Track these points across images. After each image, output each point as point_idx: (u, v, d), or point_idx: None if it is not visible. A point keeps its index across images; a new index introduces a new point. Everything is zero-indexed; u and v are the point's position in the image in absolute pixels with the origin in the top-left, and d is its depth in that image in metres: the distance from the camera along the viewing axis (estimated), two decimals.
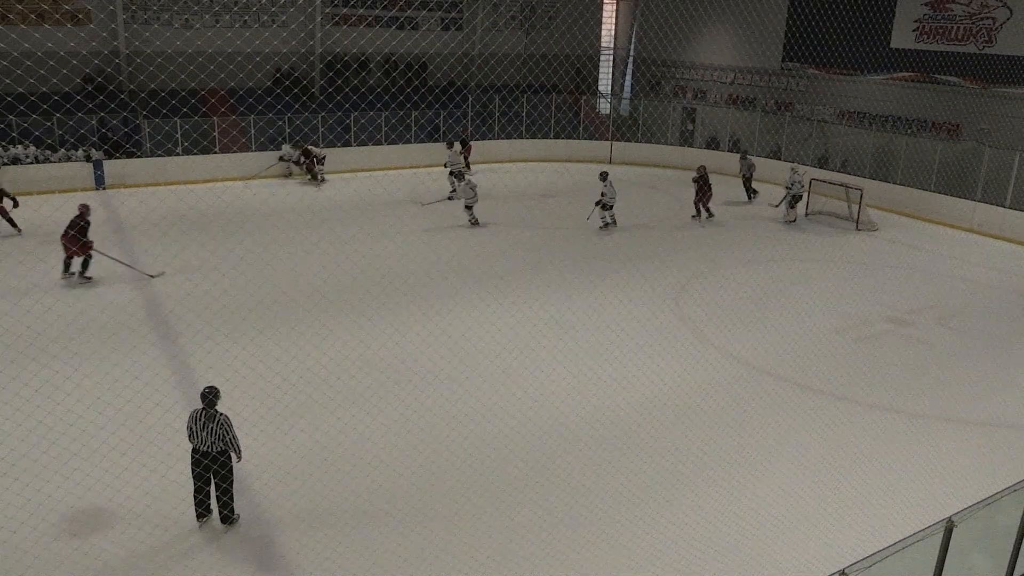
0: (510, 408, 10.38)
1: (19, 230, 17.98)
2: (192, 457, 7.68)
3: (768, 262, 17.36)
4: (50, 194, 21.49)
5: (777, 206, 21.19)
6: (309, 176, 24.21)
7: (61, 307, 13.35)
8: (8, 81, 21.28)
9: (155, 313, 13.54)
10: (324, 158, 24.37)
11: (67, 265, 15.00)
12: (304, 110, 26.22)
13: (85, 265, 15.15)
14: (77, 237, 14.78)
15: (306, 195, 22.61)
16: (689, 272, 16.24)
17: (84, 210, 15.11)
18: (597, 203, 19.04)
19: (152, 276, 15.31)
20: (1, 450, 9.05)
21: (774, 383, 11.52)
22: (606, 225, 19.24)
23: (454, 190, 21.52)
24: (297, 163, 24.48)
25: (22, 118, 22.98)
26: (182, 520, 7.86)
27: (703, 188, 20.30)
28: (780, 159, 25.82)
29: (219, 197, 21.66)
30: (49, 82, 23.32)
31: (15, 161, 22.61)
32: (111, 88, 25.06)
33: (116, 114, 24.27)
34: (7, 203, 18.05)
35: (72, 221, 14.86)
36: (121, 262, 15.36)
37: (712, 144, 28.74)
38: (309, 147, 24.51)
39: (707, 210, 20.46)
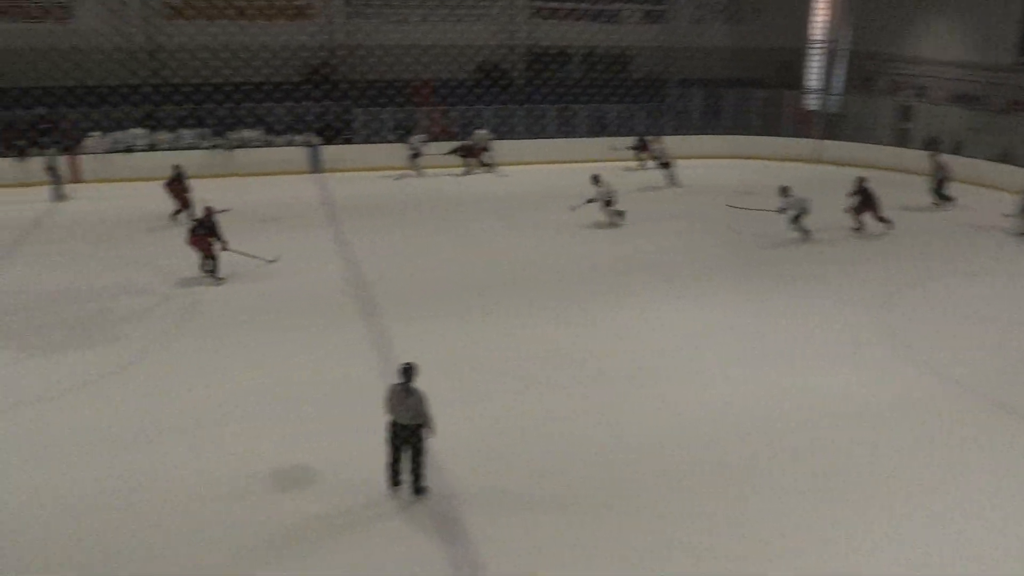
0: (695, 408, 10.19)
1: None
2: (388, 428, 8.08)
3: (991, 275, 15.80)
4: (273, 175, 23.43)
5: (1010, 216, 19.17)
6: (483, 167, 24.68)
7: (279, 283, 14.55)
8: (243, 72, 23.34)
9: (363, 292, 14.38)
10: (482, 149, 24.66)
11: (204, 264, 14.83)
12: (504, 101, 26.89)
13: (213, 265, 14.82)
14: (206, 237, 14.66)
15: (491, 183, 23.19)
16: (898, 281, 15.13)
17: (209, 211, 14.93)
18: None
19: (270, 261, 15.40)
20: (223, 406, 9.98)
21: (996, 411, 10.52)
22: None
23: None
24: (417, 156, 24.01)
25: (253, 105, 25.18)
26: (376, 486, 8.33)
27: (868, 200, 18.45)
28: (1010, 163, 23.47)
29: (424, 183, 22.73)
30: (278, 73, 25.38)
31: (244, 145, 24.78)
32: (330, 79, 26.89)
33: (332, 103, 26.02)
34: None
35: (200, 221, 14.91)
36: (243, 253, 15.11)
37: (931, 144, 26.62)
38: (466, 142, 24.70)
39: (881, 220, 18.58)
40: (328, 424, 9.65)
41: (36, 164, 21.51)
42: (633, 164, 24.53)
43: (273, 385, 10.47)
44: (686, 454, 9.17)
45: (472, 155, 24.32)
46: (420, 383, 8.11)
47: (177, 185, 18.44)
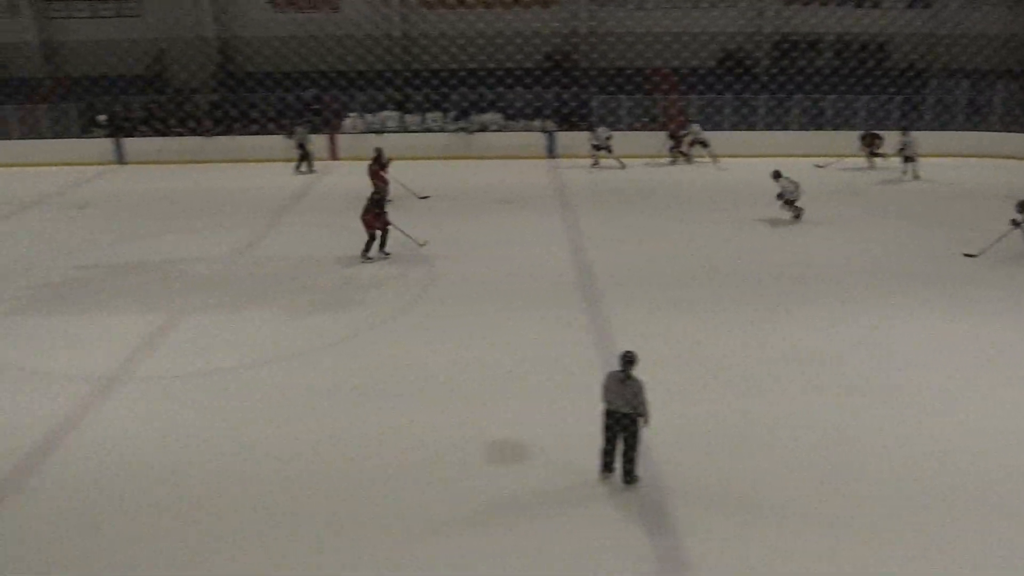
0: (946, 429, 9.28)
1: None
2: (605, 415, 8.06)
3: None
4: (510, 159, 24.14)
5: None
6: (683, 158, 23.93)
7: (509, 263, 15.00)
8: (483, 57, 24.21)
9: (588, 277, 14.49)
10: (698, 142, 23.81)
11: (369, 244, 15.25)
12: (747, 92, 25.89)
13: (383, 242, 15.42)
14: (377, 214, 15.18)
15: (713, 176, 22.36)
16: None
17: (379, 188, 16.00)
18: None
19: (420, 244, 15.79)
20: (453, 375, 10.45)
21: None
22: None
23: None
24: (600, 148, 23.36)
25: (493, 90, 26.08)
26: (588, 469, 8.36)
27: None
28: None
29: (656, 172, 22.48)
30: (519, 59, 26.07)
31: (484, 128, 25.75)
32: (569, 66, 27.23)
33: (570, 90, 26.35)
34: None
35: (371, 199, 15.40)
36: (400, 231, 15.63)
37: None
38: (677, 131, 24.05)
39: None
40: (545, 403, 9.82)
41: (294, 141, 23.63)
42: (865, 159, 22.75)
43: (498, 359, 10.83)
44: (932, 481, 8.36)
45: (680, 147, 23.88)
46: (639, 372, 8.02)
47: (376, 167, 18.84)
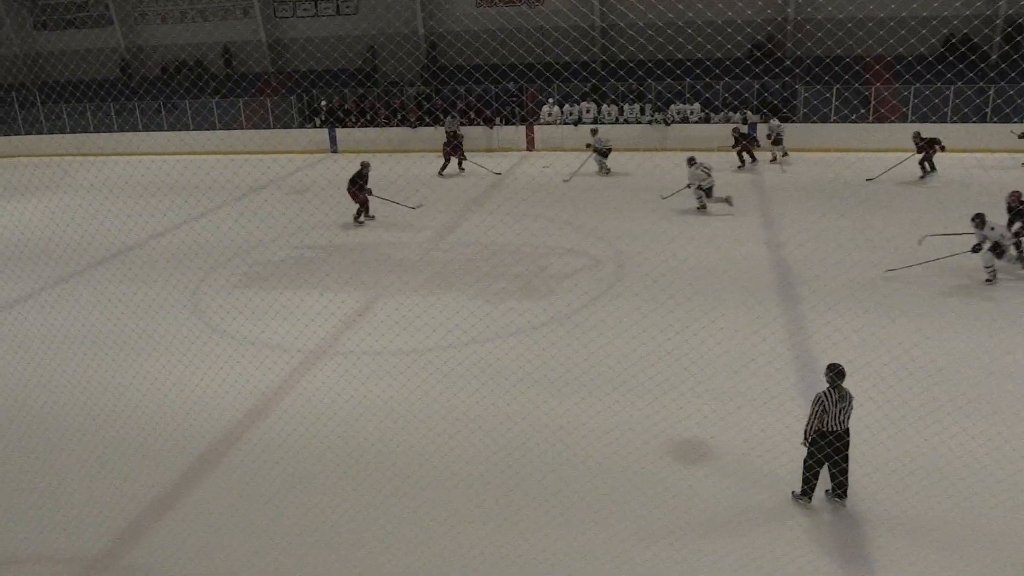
0: None
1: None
2: (818, 437, 7.41)
3: None
4: (709, 152, 23.49)
5: None
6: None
7: (703, 258, 14.62)
8: (688, 47, 23.62)
9: (784, 275, 13.85)
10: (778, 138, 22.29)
11: (358, 214, 18.30)
12: (978, 79, 23.67)
13: (359, 213, 18.31)
14: (358, 189, 17.80)
15: (930, 173, 20.51)
16: None
17: (365, 166, 18.12)
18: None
19: (412, 208, 18.27)
20: (639, 368, 10.33)
21: None
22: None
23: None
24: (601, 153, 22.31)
25: (692, 81, 25.45)
26: (774, 480, 7.98)
27: None
28: None
29: (867, 167, 21.07)
30: (722, 48, 25.26)
31: (683, 120, 25.22)
32: (777, 54, 26.06)
33: (777, 79, 25.21)
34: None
35: (355, 175, 17.99)
36: (388, 199, 18.40)
37: None
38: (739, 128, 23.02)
39: None
40: (735, 406, 9.47)
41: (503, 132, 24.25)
42: None
43: (687, 357, 10.55)
44: None
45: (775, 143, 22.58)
46: (852, 386, 7.50)
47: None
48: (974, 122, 22.92)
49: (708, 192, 17.74)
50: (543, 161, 22.15)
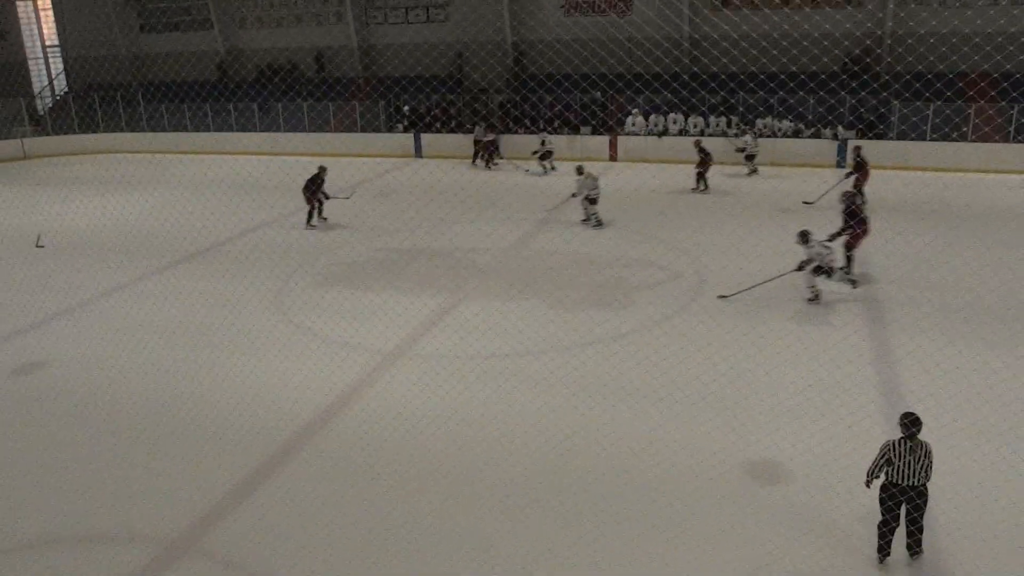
0: None
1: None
2: (885, 489, 6.88)
3: None
4: (795, 167, 22.96)
5: None
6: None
7: (789, 276, 14.26)
8: (783, 60, 23.13)
9: (871, 296, 13.40)
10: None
11: (309, 216, 18.97)
12: None
13: (310, 215, 18.93)
14: (311, 194, 18.65)
15: None
16: None
17: (322, 170, 18.93)
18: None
19: (346, 198, 19.24)
20: (712, 386, 10.12)
21: None
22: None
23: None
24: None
25: (789, 94, 24.93)
26: (849, 507, 7.70)
27: None
28: None
29: (963, 188, 20.23)
30: (818, 61, 24.68)
31: (771, 134, 24.70)
32: (875, 69, 25.30)
33: (873, 95, 24.48)
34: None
35: (312, 177, 18.76)
36: (331, 197, 19.15)
37: None
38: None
39: None
40: (815, 429, 9.17)
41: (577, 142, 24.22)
42: None
43: (765, 376, 10.32)
44: None
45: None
46: (931, 419, 7.14)
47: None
48: None
49: (593, 201, 18.00)
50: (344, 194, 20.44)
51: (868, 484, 7.01)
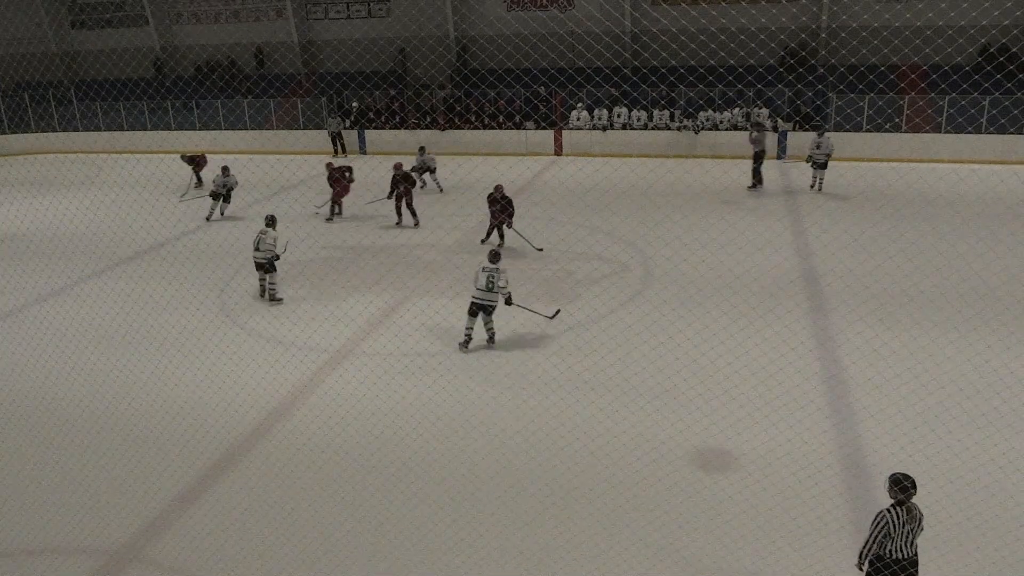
0: None
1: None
2: (882, 569, 5.87)
3: None
4: (736, 159, 23.33)
5: None
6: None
7: (730, 266, 14.49)
8: (722, 54, 23.51)
9: (812, 285, 13.71)
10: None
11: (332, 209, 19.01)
12: (1016, 90, 23.31)
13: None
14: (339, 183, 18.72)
15: (956, 181, 20.18)
16: None
17: (330, 168, 19.04)
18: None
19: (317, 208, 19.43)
20: (665, 378, 10.25)
21: None
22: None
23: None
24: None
25: (722, 88, 25.32)
26: (793, 491, 7.88)
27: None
28: None
29: (899, 177, 20.80)
30: (756, 55, 25.11)
31: (712, 127, 25.05)
32: (811, 62, 25.84)
33: (809, 88, 25.00)
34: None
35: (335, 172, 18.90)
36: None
37: None
38: None
39: None
40: (759, 416, 9.35)
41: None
42: None
43: (713, 365, 10.48)
44: None
45: None
46: (873, 404, 7.36)
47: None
48: (1011, 133, 22.55)
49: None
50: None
51: (860, 567, 6.02)
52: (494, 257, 11.60)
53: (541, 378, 10.55)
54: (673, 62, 26.22)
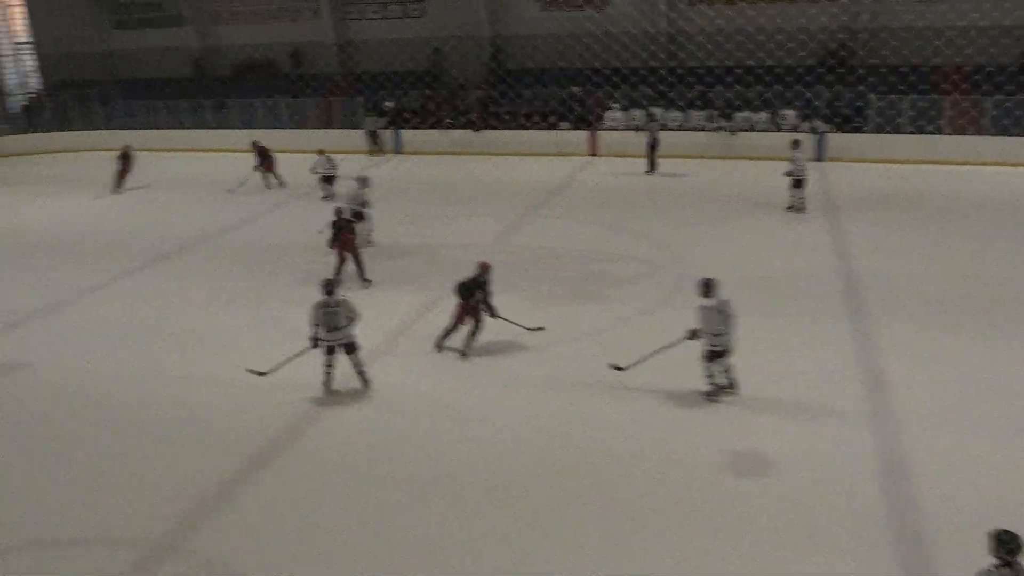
0: None
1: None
2: None
3: None
4: (775, 160, 23.07)
5: None
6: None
7: (766, 269, 14.36)
8: (753, 55, 23.31)
9: (850, 288, 13.52)
10: None
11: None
12: None
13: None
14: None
15: (999, 185, 19.77)
16: None
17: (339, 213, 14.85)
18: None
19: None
20: (688, 387, 10.17)
21: None
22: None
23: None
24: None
25: (760, 89, 25.07)
26: (830, 497, 7.78)
27: None
28: None
29: (940, 179, 20.47)
30: (790, 56, 24.83)
31: (750, 128, 24.82)
32: (846, 63, 25.48)
33: (849, 88, 24.67)
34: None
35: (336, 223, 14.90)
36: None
37: None
38: None
39: None
40: (798, 420, 9.25)
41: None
42: None
43: (751, 370, 10.33)
44: None
45: None
46: (914, 408, 7.22)
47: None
48: None
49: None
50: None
51: None
52: (328, 288, 10.08)
53: (572, 378, 10.52)
54: (710, 62, 26.01)
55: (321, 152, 21.03)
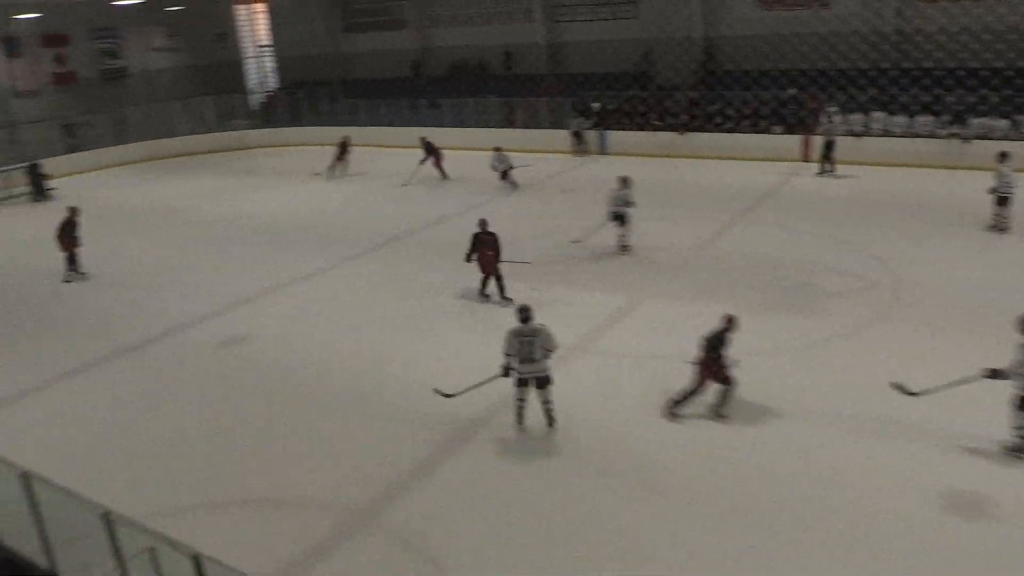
0: None
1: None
2: None
3: None
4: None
5: None
6: None
7: (985, 291, 13.05)
8: (988, 55, 21.23)
9: None
10: None
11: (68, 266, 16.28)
12: None
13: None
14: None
15: None
16: None
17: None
18: None
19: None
20: (903, 413, 9.39)
21: None
22: None
23: None
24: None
25: (998, 92, 22.85)
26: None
27: None
28: None
29: None
30: None
31: (985, 136, 22.57)
32: None
33: None
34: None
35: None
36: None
37: None
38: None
39: None
40: (1008, 461, 8.33)
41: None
42: None
43: (953, 401, 9.23)
44: None
45: None
46: None
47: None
48: None
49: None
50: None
51: None
52: (524, 314, 9.39)
53: (777, 394, 10.05)
54: (948, 63, 23.97)
55: (498, 149, 22.48)
